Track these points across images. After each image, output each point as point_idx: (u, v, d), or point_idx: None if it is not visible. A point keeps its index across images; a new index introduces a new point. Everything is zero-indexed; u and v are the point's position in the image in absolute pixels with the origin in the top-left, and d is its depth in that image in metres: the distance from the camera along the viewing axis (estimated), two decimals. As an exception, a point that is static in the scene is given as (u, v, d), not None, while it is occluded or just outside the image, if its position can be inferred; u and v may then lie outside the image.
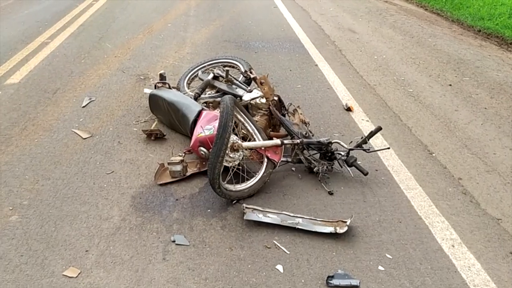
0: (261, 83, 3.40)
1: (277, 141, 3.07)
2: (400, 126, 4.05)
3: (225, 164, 2.86)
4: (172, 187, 3.07)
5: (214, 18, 7.62)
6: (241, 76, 3.97)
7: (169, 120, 3.78)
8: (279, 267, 2.40)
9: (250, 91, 3.68)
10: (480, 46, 6.48)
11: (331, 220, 2.71)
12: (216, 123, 3.05)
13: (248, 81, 3.89)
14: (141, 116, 4.07)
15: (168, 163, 3.13)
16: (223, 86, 3.85)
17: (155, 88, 3.97)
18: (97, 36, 6.52)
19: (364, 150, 3.19)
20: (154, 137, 3.64)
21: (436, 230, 2.70)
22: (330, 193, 3.03)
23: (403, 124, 4.08)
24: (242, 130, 3.14)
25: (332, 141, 3.22)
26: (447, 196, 3.06)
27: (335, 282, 2.28)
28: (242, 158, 3.00)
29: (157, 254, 2.46)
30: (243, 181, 2.99)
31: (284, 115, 3.56)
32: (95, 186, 3.06)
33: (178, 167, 3.10)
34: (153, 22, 7.35)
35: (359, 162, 3.22)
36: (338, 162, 3.20)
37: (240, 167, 3.01)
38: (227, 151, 2.83)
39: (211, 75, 3.94)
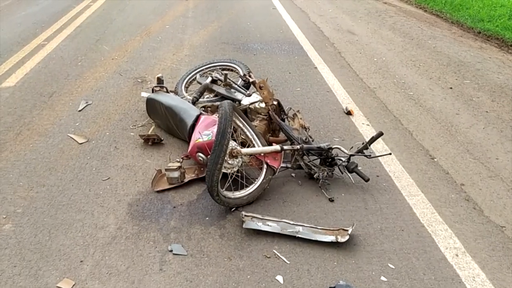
0: (260, 87, 3.35)
1: (276, 147, 3.01)
2: (401, 130, 3.99)
3: (223, 171, 2.80)
4: (169, 194, 3.01)
5: (213, 20, 7.56)
6: (240, 79, 3.90)
7: (166, 125, 3.72)
8: (279, 278, 2.35)
9: (249, 95, 3.62)
10: (480, 48, 6.43)
11: (332, 229, 2.66)
12: (215, 129, 2.99)
13: (247, 85, 3.83)
14: (138, 120, 4.00)
15: (166, 169, 3.07)
16: (221, 90, 3.79)
17: (153, 91, 3.91)
18: (94, 38, 6.45)
19: (366, 156, 3.13)
20: (152, 142, 3.58)
21: (439, 239, 2.65)
22: (331, 200, 2.98)
23: (404, 128, 4.03)
24: (241, 136, 3.08)
25: (333, 147, 3.16)
26: (450, 203, 3.00)
27: (336, 293, 2.22)
28: (241, 164, 2.93)
29: (153, 265, 2.40)
30: (242, 188, 2.93)
31: (283, 120, 3.51)
32: (90, 193, 2.99)
33: (176, 174, 3.04)
34: (151, 23, 7.28)
35: (360, 168, 3.16)
36: (339, 168, 3.15)
37: (239, 174, 2.94)
38: (225, 158, 2.76)
39: (210, 79, 3.88)
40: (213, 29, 6.98)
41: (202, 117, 3.39)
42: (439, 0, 8.80)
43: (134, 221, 2.73)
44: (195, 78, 4.18)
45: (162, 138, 3.62)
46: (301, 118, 3.46)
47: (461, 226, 2.78)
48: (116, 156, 3.44)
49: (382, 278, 2.36)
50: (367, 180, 3.07)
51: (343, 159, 3.15)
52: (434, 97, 4.72)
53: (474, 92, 4.85)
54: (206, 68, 4.25)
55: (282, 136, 3.44)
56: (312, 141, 3.33)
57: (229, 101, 2.89)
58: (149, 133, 3.63)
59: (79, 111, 4.16)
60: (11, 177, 3.14)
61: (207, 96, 3.98)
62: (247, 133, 3.09)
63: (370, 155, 3.15)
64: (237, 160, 2.90)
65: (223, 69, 4.15)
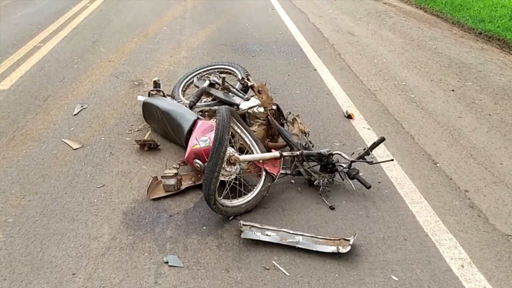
0: (259, 92, 3.26)
1: (275, 153, 2.92)
2: (402, 134, 3.91)
3: (221, 178, 2.72)
4: (165, 202, 2.93)
5: (211, 21, 7.47)
6: (238, 83, 3.81)
7: (163, 130, 3.64)
8: (279, 291, 2.26)
9: (248, 99, 3.54)
10: (481, 49, 6.35)
11: (333, 238, 2.57)
12: (212, 134, 2.90)
13: (245, 88, 3.75)
14: (134, 124, 3.92)
15: (162, 176, 2.98)
16: (219, 94, 3.70)
17: (149, 95, 3.82)
18: (91, 39, 6.36)
19: (367, 162, 3.05)
20: (148, 147, 3.50)
21: (444, 249, 2.56)
22: (332, 208, 2.89)
23: (406, 132, 3.95)
24: (239, 142, 3.00)
25: (333, 153, 3.08)
26: (454, 211, 2.92)
27: (338, 308, 2.14)
28: (239, 171, 2.85)
29: (148, 277, 2.32)
30: (240, 196, 2.85)
31: (282, 125, 3.43)
32: (84, 201, 2.91)
33: (172, 181, 2.96)
34: (148, 25, 7.19)
35: (361, 174, 3.08)
36: (340, 174, 3.06)
37: (237, 182, 2.86)
38: (223, 165, 2.68)
39: (207, 82, 3.80)
40: (211, 30, 6.89)
41: (200, 122, 3.30)
42: (439, 1, 8.72)
43: (129, 231, 2.64)
44: (193, 81, 4.09)
45: (159, 144, 3.54)
46: (300, 123, 3.37)
47: (466, 235, 2.70)
48: (111, 162, 3.35)
49: (385, 290, 2.27)
50: (368, 187, 2.99)
51: (344, 165, 3.07)
52: (435, 99, 4.64)
53: (476, 95, 4.77)
54: (204, 71, 4.17)
55: (281, 141, 3.36)
56: (312, 146, 3.25)
57: (226, 106, 2.81)
58: (145, 138, 3.55)
59: (74, 115, 4.08)
60: (2, 184, 3.06)
61: (205, 100, 3.90)
62: (245, 139, 3.01)
63: (372, 162, 3.07)
64: (235, 167, 2.82)
65: (221, 72, 4.07)
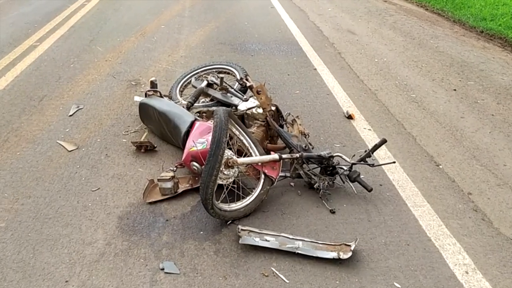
0: (258, 92, 3.19)
1: (275, 155, 2.85)
2: (404, 135, 3.84)
3: (219, 182, 2.64)
4: (162, 205, 2.85)
5: (210, 19, 7.39)
6: (237, 83, 3.74)
7: (160, 131, 3.57)
8: (278, 299, 2.19)
9: (246, 100, 3.47)
10: (483, 48, 6.27)
11: (333, 244, 2.50)
12: (210, 136, 2.83)
13: (244, 88, 3.67)
14: (131, 125, 3.85)
15: (158, 180, 2.91)
16: (217, 94, 3.63)
17: (146, 96, 3.75)
18: (88, 38, 6.29)
19: (369, 165, 2.98)
20: (144, 149, 3.43)
21: (448, 254, 2.50)
22: (332, 212, 2.82)
23: (407, 133, 3.87)
24: (238, 144, 2.93)
25: (334, 155, 3.01)
26: (458, 214, 2.85)
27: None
28: (237, 174, 2.78)
29: (143, 285, 2.25)
30: (238, 200, 2.78)
31: (282, 126, 3.35)
32: (79, 205, 2.83)
33: (169, 184, 2.88)
34: (146, 23, 7.12)
35: (362, 177, 3.01)
36: (340, 177, 2.99)
37: (235, 185, 2.79)
38: (221, 168, 2.61)
39: (205, 83, 3.72)
40: (210, 29, 6.82)
41: (197, 124, 3.23)
42: (440, -1, 8.65)
43: (124, 236, 2.57)
44: (190, 81, 4.01)
45: (156, 145, 3.47)
46: (300, 124, 3.30)
47: (470, 239, 2.63)
48: (107, 165, 3.28)
49: (388, 298, 2.21)
50: (370, 190, 2.92)
51: (345, 167, 3.00)
52: (437, 99, 4.56)
53: (478, 94, 4.69)
54: (202, 71, 4.09)
55: (280, 142, 3.29)
56: (312, 148, 3.17)
57: (224, 107, 2.74)
58: (142, 140, 3.48)
59: (70, 116, 4.01)
60: (-5, 188, 2.99)
61: (203, 100, 3.83)
62: (244, 141, 2.93)
63: (373, 164, 3.00)
64: (233, 170, 2.74)
65: (219, 72, 3.99)
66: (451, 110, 4.32)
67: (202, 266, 2.38)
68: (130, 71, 5.08)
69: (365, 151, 3.01)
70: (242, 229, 2.56)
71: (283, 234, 2.56)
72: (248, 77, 3.71)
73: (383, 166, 3.25)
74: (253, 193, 2.81)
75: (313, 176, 2.97)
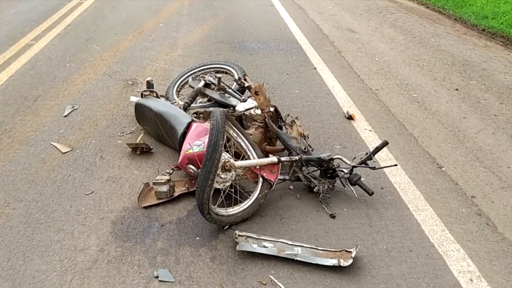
0: (256, 93, 3.11)
1: (273, 158, 2.77)
2: (405, 136, 3.76)
3: (215, 185, 2.57)
4: (157, 210, 2.78)
5: (208, 18, 7.30)
6: (235, 83, 3.66)
7: (156, 132, 3.49)
8: (276, 309, 2.12)
9: (244, 101, 3.39)
10: (485, 47, 6.19)
11: (334, 250, 2.43)
12: (207, 139, 2.75)
13: (242, 89, 3.59)
14: (127, 126, 3.77)
15: (153, 183, 2.83)
16: (215, 95, 3.55)
17: (142, 96, 3.66)
18: (84, 37, 6.20)
19: (370, 167, 2.90)
20: (140, 151, 3.35)
21: (452, 261, 2.42)
22: (332, 216, 2.75)
23: (409, 134, 3.79)
24: (235, 146, 2.85)
25: (334, 157, 2.92)
26: (461, 219, 2.78)
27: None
28: (235, 178, 2.70)
29: (137, 294, 2.17)
30: (235, 204, 2.70)
31: (281, 128, 3.27)
32: (71, 209, 2.76)
33: (164, 188, 2.81)
34: (144, 21, 7.03)
35: (363, 179, 2.93)
36: (341, 180, 2.91)
37: (232, 189, 2.71)
38: (217, 172, 2.53)
39: (202, 83, 3.64)
40: (208, 27, 6.73)
41: (194, 125, 3.15)
42: (441, -4, 8.56)
43: (118, 242, 2.49)
44: (187, 81, 3.93)
45: (152, 147, 3.39)
46: (299, 126, 3.22)
47: (474, 245, 2.55)
48: (102, 167, 3.20)
49: (390, 308, 2.13)
50: (371, 194, 2.84)
51: (345, 170, 2.92)
52: (439, 99, 4.48)
53: (481, 94, 4.61)
54: (199, 71, 4.01)
55: (279, 144, 3.21)
56: (312, 150, 3.09)
57: (221, 109, 2.66)
58: (137, 141, 3.39)
59: (65, 116, 3.93)
60: (-14, 191, 2.91)
61: (200, 100, 3.75)
62: (242, 143, 2.86)
63: (374, 167, 2.92)
64: (231, 174, 2.66)
65: (217, 72, 3.91)
66: (453, 110, 4.24)
67: (198, 274, 2.30)
68: (126, 70, 5.00)
69: (366, 154, 2.92)
70: (239, 235, 2.49)
71: (281, 240, 2.48)
72: (246, 77, 3.62)
73: (384, 169, 3.17)
74: (251, 197, 2.73)
75: (312, 179, 2.90)
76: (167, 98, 3.80)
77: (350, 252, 2.38)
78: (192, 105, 3.55)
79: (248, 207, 2.68)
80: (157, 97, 3.63)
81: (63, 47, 5.75)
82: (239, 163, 2.67)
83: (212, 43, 5.99)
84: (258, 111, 3.19)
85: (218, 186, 2.61)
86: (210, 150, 2.38)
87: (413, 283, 2.27)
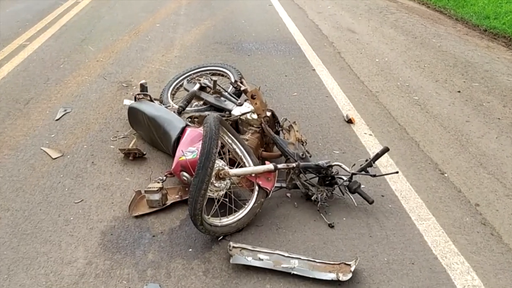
0: (252, 97, 3.00)
1: (269, 166, 2.66)
2: (406, 141, 3.65)
3: (209, 194, 2.46)
4: (149, 219, 2.67)
5: (206, 18, 7.19)
6: (231, 86, 3.55)
7: (150, 137, 3.38)
8: (271, 327, 2.01)
9: (241, 105, 3.29)
10: (487, 47, 6.08)
11: (332, 263, 2.32)
12: (200, 145, 2.64)
13: (238, 92, 3.48)
14: (120, 130, 3.66)
15: (145, 191, 2.73)
16: (210, 98, 3.44)
17: (135, 100, 3.55)
18: (80, 37, 6.09)
19: (370, 175, 2.79)
20: (133, 157, 3.24)
21: (456, 274, 2.31)
22: (331, 226, 2.64)
23: (410, 138, 3.69)
24: (230, 153, 2.74)
25: (332, 164, 2.82)
26: (465, 228, 2.67)
27: None
28: (229, 186, 2.59)
29: (125, 311, 2.06)
30: (230, 213, 2.59)
31: (278, 133, 3.16)
32: (60, 219, 2.65)
33: (157, 196, 2.70)
34: (141, 22, 6.92)
35: (363, 187, 2.83)
36: (340, 188, 2.80)
37: (227, 199, 2.60)
38: (211, 180, 2.42)
39: (197, 86, 3.54)
40: (206, 28, 6.62)
41: (188, 130, 3.05)
42: (442, -4, 8.45)
43: (107, 254, 2.39)
44: (182, 84, 3.82)
45: (145, 152, 3.28)
46: (297, 131, 3.11)
47: (479, 257, 2.44)
48: (93, 174, 3.09)
49: (391, 326, 2.02)
50: (371, 202, 2.73)
51: (345, 177, 2.81)
52: (441, 102, 4.37)
53: (484, 96, 4.50)
54: (194, 73, 3.90)
55: (276, 150, 3.10)
56: (310, 156, 2.98)
57: (215, 115, 2.55)
58: (130, 146, 3.28)
59: (56, 120, 3.82)
60: (-28, 200, 2.80)
61: (196, 103, 3.64)
62: (237, 149, 2.75)
63: (375, 174, 2.81)
64: (225, 182, 2.56)
65: (213, 74, 3.81)
66: (455, 114, 4.13)
67: (190, 289, 2.19)
68: (121, 72, 4.89)
69: (366, 160, 2.82)
70: (233, 246, 2.38)
71: (277, 252, 2.38)
72: (243, 79, 3.52)
73: (385, 176, 3.07)
74: (246, 206, 2.62)
75: (310, 187, 2.79)
76: (161, 102, 3.70)
77: (349, 265, 2.28)
78: (187, 108, 3.45)
79: (243, 216, 2.57)
80: (151, 100, 3.52)
81: (58, 48, 5.64)
82: (234, 171, 2.56)
83: (209, 44, 5.88)
84: (255, 116, 3.09)
85: (212, 195, 2.51)
86: (203, 159, 2.27)
87: (416, 299, 2.16)
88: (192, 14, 7.43)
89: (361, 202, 2.80)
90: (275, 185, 2.76)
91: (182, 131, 3.06)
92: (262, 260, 2.32)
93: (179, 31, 6.45)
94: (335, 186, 2.81)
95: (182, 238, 2.52)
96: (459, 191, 3.03)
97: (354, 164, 2.89)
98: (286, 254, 2.37)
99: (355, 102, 4.30)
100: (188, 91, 3.59)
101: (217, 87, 3.44)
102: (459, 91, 4.62)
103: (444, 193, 3.00)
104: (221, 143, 2.66)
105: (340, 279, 2.20)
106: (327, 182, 2.83)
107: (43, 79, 4.67)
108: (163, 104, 3.60)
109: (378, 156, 2.79)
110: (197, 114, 3.35)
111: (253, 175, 2.65)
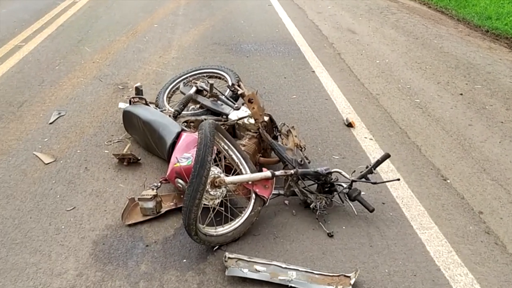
0: (250, 101, 2.92)
1: (267, 173, 2.58)
2: (408, 145, 3.57)
3: (204, 202, 2.38)
4: (142, 228, 2.59)
5: (205, 18, 7.11)
6: (228, 89, 3.47)
7: (145, 141, 3.30)
8: None
9: (238, 109, 3.21)
10: (489, 49, 5.99)
11: (331, 274, 2.24)
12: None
13: (235, 95, 3.39)
14: (115, 135, 3.58)
15: (139, 199, 2.64)
16: (207, 102, 3.36)
17: (130, 103, 3.47)
18: (76, 38, 6.01)
19: (371, 182, 2.71)
20: (127, 162, 3.16)
21: (459, 287, 2.23)
22: (330, 235, 2.56)
23: (412, 143, 3.60)
24: (226, 159, 2.66)
25: (332, 171, 2.73)
26: (468, 238, 2.59)
27: None
28: (225, 194, 2.51)
29: (116, 326, 1.98)
30: (226, 222, 2.51)
31: (276, 138, 3.08)
32: (50, 227, 2.57)
33: (150, 204, 2.62)
34: (139, 22, 6.84)
35: (363, 193, 2.74)
36: (339, 195, 2.72)
37: (223, 207, 2.52)
38: (206, 188, 2.34)
39: (194, 89, 3.45)
40: (204, 28, 6.53)
41: (184, 135, 2.96)
42: (443, -4, 8.36)
43: (98, 265, 2.31)
44: (179, 87, 3.74)
45: (139, 158, 3.20)
46: (295, 136, 3.03)
47: (483, 269, 2.36)
48: (86, 180, 3.01)
49: None
50: (372, 211, 2.65)
51: (344, 185, 2.73)
52: (443, 105, 4.29)
53: (486, 99, 4.42)
54: (191, 76, 3.82)
55: (274, 156, 3.02)
56: (309, 162, 2.90)
57: (210, 121, 2.46)
58: (124, 151, 3.20)
59: (50, 123, 3.74)
60: (-40, 207, 2.72)
61: (192, 107, 3.56)
62: (233, 156, 2.66)
63: (375, 182, 2.73)
64: (221, 190, 2.47)
65: (210, 77, 3.73)
66: (458, 117, 4.05)
67: (183, 302, 2.11)
68: (118, 73, 4.81)
69: (367, 167, 2.73)
70: (229, 257, 2.30)
71: (274, 263, 2.30)
72: (240, 82, 3.42)
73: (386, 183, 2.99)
74: (242, 214, 2.54)
75: (309, 194, 2.71)
76: (157, 105, 3.61)
77: (349, 277, 2.20)
78: (183, 112, 3.36)
79: (239, 225, 2.49)
80: (146, 104, 3.44)
81: (54, 49, 5.56)
82: (230, 178, 2.48)
83: (207, 45, 5.80)
84: (252, 120, 3.00)
85: (207, 203, 2.43)
86: (197, 167, 2.19)
87: (418, 313, 2.08)
88: (190, 14, 7.34)
89: (361, 210, 2.72)
90: (273, 192, 2.67)
91: (178, 136, 2.99)
92: (259, 272, 2.24)
93: (177, 31, 6.37)
94: (335, 193, 2.73)
95: (176, 248, 2.44)
96: (462, 198, 2.95)
97: (354, 171, 2.81)
98: (284, 265, 2.28)
99: (355, 105, 4.22)
100: (184, 94, 3.51)
101: (214, 90, 3.35)
102: (461, 94, 4.53)
103: (447, 200, 2.92)
104: (217, 149, 2.58)
105: (340, 292, 2.12)
106: (326, 189, 2.75)
107: (37, 81, 4.59)
108: (159, 108, 3.52)
109: (379, 162, 2.71)
110: (193, 118, 3.28)
111: (250, 182, 2.56)
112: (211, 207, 2.47)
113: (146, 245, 2.46)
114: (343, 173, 2.75)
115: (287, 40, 6.10)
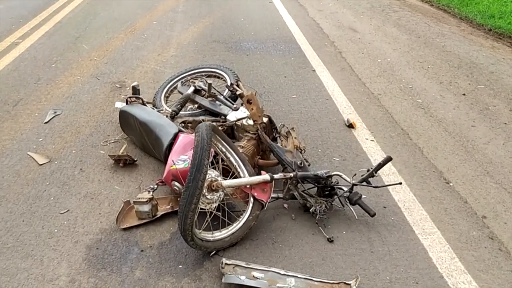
0: (249, 102, 2.85)
1: (265, 176, 2.51)
2: (409, 147, 3.50)
3: (201, 206, 2.31)
4: (138, 232, 2.53)
5: (204, 15, 7.03)
6: (226, 89, 3.39)
7: (141, 142, 3.23)
8: None
9: (236, 109, 3.14)
10: (492, 48, 5.91)
11: (331, 282, 2.18)
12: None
13: (234, 95, 3.32)
14: (111, 135, 3.51)
15: (134, 202, 2.58)
16: (205, 102, 3.29)
17: (127, 103, 3.40)
18: (74, 35, 5.93)
19: (372, 186, 2.64)
20: (123, 163, 3.09)
21: (462, 296, 2.16)
22: (330, 240, 2.50)
23: (413, 144, 3.54)
24: (224, 162, 2.59)
25: (332, 174, 2.67)
26: (472, 243, 2.52)
27: None
28: (223, 198, 2.44)
29: (108, 336, 1.92)
30: (223, 226, 2.45)
31: (275, 139, 3.01)
32: (43, 231, 2.50)
33: (146, 207, 2.55)
34: (137, 19, 6.75)
35: (364, 197, 2.68)
36: (339, 199, 2.66)
37: (220, 211, 2.45)
38: (203, 192, 2.28)
39: (192, 89, 3.38)
40: (204, 26, 6.45)
41: (181, 136, 2.90)
42: (446, -6, 8.27)
43: (91, 271, 2.24)
44: (176, 86, 3.66)
45: (136, 159, 3.14)
46: (295, 137, 2.96)
47: (487, 276, 2.30)
48: (80, 181, 2.94)
49: None
50: (372, 215, 2.58)
51: (345, 188, 2.66)
52: (445, 105, 4.22)
53: (489, 100, 4.34)
54: (189, 75, 3.75)
55: (273, 158, 2.95)
56: (308, 165, 2.84)
57: (208, 123, 2.39)
58: (120, 152, 3.13)
59: (45, 123, 3.68)
60: (-49, 210, 2.65)
61: (190, 107, 3.49)
62: (231, 158, 2.60)
63: (377, 185, 2.66)
64: (218, 194, 2.40)
65: (208, 76, 3.66)
66: (460, 118, 3.98)
67: (179, 310, 2.05)
68: (115, 71, 4.74)
69: (368, 170, 2.66)
70: (226, 264, 2.24)
71: (273, 269, 2.24)
72: (239, 82, 3.36)
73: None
74: (240, 219, 2.48)
75: (309, 198, 2.64)
76: (154, 105, 3.55)
77: (349, 284, 2.14)
78: (180, 113, 3.29)
79: (237, 230, 2.43)
80: (143, 104, 3.37)
81: (51, 46, 5.48)
82: (228, 182, 2.41)
83: (207, 43, 5.72)
84: (251, 122, 2.93)
85: (204, 207, 2.36)
86: (193, 171, 2.12)
87: (420, 323, 2.02)
88: (190, 11, 7.26)
89: (362, 214, 2.66)
90: (272, 195, 2.61)
91: (175, 137, 2.92)
92: (256, 279, 2.17)
93: (176, 29, 6.29)
94: (335, 197, 2.67)
95: (172, 253, 2.38)
96: (465, 202, 2.89)
97: (355, 174, 2.74)
98: (282, 272, 2.22)
99: (356, 105, 4.15)
100: (182, 94, 3.44)
101: (212, 90, 3.28)
102: (464, 94, 4.46)
103: (450, 204, 2.86)
104: (214, 152, 2.51)
105: (339, 301, 2.06)
106: (327, 193, 2.69)
107: (33, 79, 4.52)
108: (156, 108, 3.45)
109: (380, 166, 2.64)
110: (191, 119, 3.21)
111: (248, 186, 2.50)
112: (208, 211, 2.40)
113: (141, 250, 2.39)
114: (344, 176, 2.68)
115: (287, 38, 6.02)
